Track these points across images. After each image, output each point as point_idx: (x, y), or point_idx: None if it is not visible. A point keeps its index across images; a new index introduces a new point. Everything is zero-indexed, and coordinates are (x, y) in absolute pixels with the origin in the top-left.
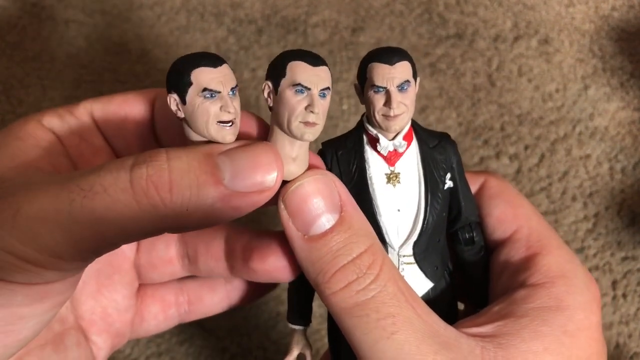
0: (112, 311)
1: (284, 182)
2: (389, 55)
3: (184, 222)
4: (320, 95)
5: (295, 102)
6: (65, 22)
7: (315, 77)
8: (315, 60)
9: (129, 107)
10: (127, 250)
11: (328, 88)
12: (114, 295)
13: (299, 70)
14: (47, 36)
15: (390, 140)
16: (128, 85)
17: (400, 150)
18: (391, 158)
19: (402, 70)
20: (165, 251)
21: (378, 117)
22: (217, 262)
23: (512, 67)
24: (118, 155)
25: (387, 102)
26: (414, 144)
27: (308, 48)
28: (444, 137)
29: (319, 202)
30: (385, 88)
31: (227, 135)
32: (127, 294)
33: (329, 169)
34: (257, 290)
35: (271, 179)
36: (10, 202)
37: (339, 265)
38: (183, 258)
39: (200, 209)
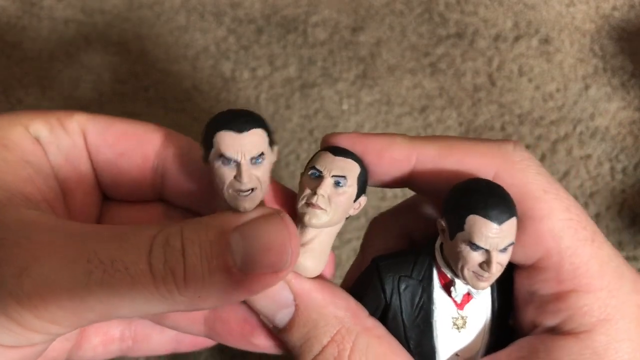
0: None
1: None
2: (497, 211)
3: (198, 306)
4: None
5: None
6: (65, 22)
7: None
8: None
9: (129, 142)
10: None
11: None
12: None
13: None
14: (47, 36)
15: (466, 284)
16: (128, 86)
17: (475, 295)
18: (462, 302)
19: (508, 230)
20: None
21: (467, 273)
22: (194, 323)
23: (512, 66)
24: (104, 191)
25: (486, 264)
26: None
27: (308, 48)
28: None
29: (268, 304)
30: (486, 249)
31: (242, 204)
32: None
33: (388, 299)
34: (210, 342)
35: (285, 260)
36: (16, 256)
37: None
38: None
39: (212, 294)
